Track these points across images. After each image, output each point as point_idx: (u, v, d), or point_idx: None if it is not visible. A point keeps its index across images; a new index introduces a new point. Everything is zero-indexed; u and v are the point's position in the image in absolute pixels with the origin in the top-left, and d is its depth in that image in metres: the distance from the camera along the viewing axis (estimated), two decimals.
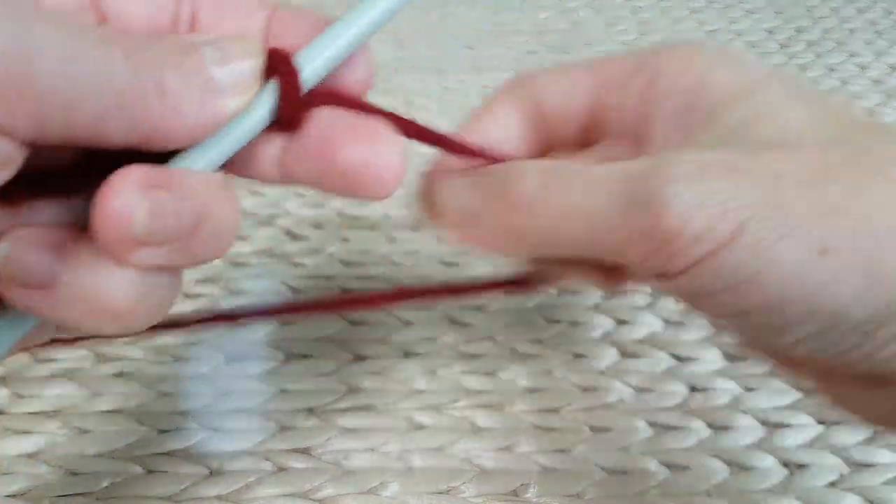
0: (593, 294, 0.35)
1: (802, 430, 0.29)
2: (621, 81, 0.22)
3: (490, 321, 0.33)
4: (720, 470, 0.28)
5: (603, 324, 0.33)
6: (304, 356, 0.32)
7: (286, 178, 0.19)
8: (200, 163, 0.17)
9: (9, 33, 0.14)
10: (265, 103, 0.18)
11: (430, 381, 0.31)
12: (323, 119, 0.19)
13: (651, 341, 0.33)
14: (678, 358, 0.32)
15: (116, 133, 0.16)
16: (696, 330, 0.33)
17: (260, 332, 0.32)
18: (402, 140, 0.19)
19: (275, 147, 0.19)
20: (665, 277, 0.18)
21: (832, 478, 0.28)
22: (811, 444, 0.29)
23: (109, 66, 0.16)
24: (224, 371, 0.31)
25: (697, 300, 0.18)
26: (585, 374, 0.31)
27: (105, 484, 0.27)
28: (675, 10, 0.58)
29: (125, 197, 0.15)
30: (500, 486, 0.27)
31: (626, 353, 0.32)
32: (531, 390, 0.31)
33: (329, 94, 0.19)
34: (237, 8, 0.19)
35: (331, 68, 0.19)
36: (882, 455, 0.28)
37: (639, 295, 0.34)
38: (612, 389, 0.31)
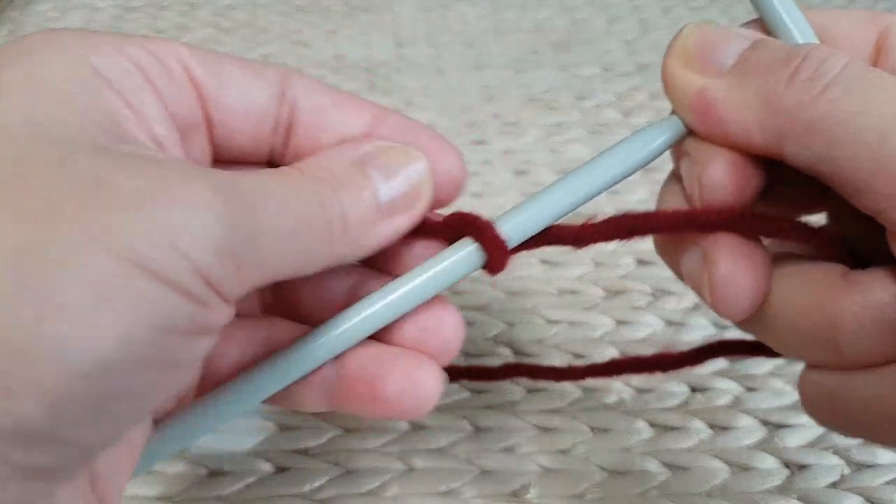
0: (593, 294, 0.34)
1: (803, 430, 0.29)
2: None
3: (490, 321, 0.33)
4: (721, 470, 0.28)
5: (603, 324, 0.33)
6: None
7: (332, 407, 0.21)
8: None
9: (232, 217, 0.15)
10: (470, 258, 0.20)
11: None
12: (367, 354, 0.20)
13: (651, 341, 0.33)
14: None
15: (305, 269, 0.18)
16: (697, 330, 0.33)
17: None
18: (440, 367, 0.20)
19: (322, 381, 0.20)
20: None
21: (833, 478, 0.28)
22: (812, 445, 0.29)
23: (309, 208, 0.17)
24: None
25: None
26: None
27: None
28: (676, 9, 0.58)
29: None
30: (500, 487, 0.27)
31: (626, 354, 0.32)
32: (531, 391, 0.31)
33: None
34: (341, 108, 0.20)
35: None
36: (883, 455, 0.28)
37: (639, 295, 0.34)
38: (612, 390, 0.31)
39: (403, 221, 0.19)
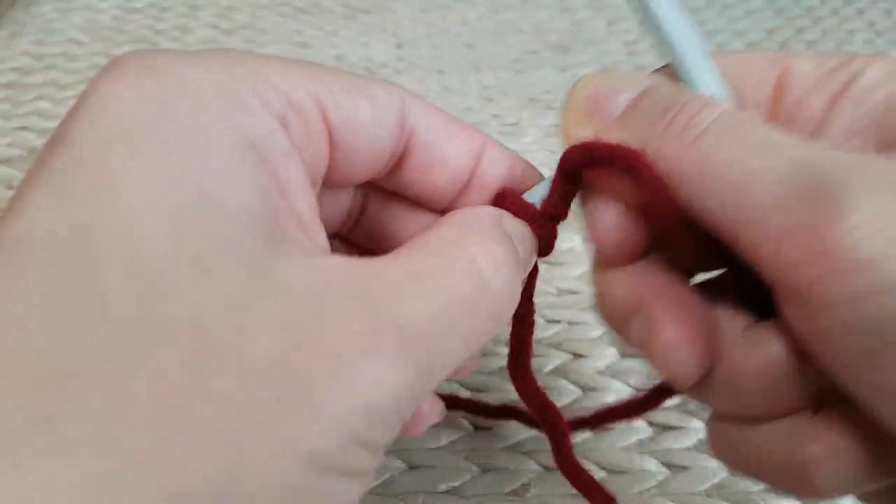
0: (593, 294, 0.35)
1: None
2: (815, 77, 0.18)
3: None
4: (720, 470, 0.28)
5: (603, 324, 0.33)
6: None
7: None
8: None
9: (412, 384, 0.15)
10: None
11: None
12: None
13: None
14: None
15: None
16: None
17: None
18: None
19: None
20: (804, 297, 0.14)
21: None
22: None
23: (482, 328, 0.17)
24: None
25: (827, 336, 0.14)
26: (585, 374, 0.31)
27: None
28: None
29: None
30: (500, 486, 0.28)
31: (625, 353, 0.32)
32: None
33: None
34: (453, 137, 0.20)
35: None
36: None
37: None
38: (611, 389, 0.31)
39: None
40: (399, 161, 0.20)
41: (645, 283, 0.18)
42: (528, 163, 0.22)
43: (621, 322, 0.19)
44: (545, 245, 0.20)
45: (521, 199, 0.20)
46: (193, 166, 0.14)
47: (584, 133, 0.18)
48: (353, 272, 0.16)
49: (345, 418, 0.14)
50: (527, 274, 0.20)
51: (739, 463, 0.18)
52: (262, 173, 0.15)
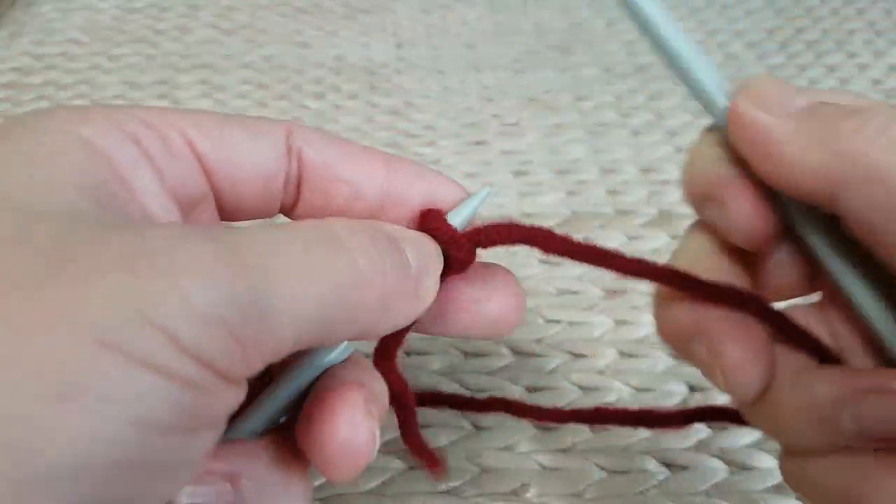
0: (592, 294, 0.35)
1: None
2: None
3: None
4: (720, 470, 0.28)
5: (602, 323, 0.33)
6: None
7: (441, 331, 0.21)
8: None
9: (231, 281, 0.13)
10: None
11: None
12: (458, 283, 0.20)
13: (651, 341, 0.33)
14: (678, 358, 0.32)
15: (328, 340, 0.16)
16: None
17: None
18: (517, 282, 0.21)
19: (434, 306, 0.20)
20: None
21: None
22: None
23: (337, 270, 0.16)
24: None
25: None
26: (585, 374, 0.31)
27: None
28: (675, 10, 0.58)
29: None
30: (500, 486, 0.28)
31: (625, 353, 0.32)
32: (531, 390, 0.31)
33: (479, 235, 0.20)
34: (352, 159, 0.20)
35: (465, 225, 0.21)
36: None
37: (637, 295, 0.35)
38: (611, 389, 0.31)
39: (433, 285, 0.19)
40: (298, 189, 0.20)
41: (708, 310, 0.19)
42: (450, 180, 0.21)
43: (684, 344, 0.19)
44: (460, 264, 0.20)
45: (443, 220, 0.20)
46: (24, 156, 0.15)
47: (764, 119, 0.18)
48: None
49: (131, 294, 0.12)
50: (431, 283, 0.19)
51: (805, 493, 0.19)
52: (99, 164, 0.16)
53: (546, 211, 0.39)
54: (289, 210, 0.20)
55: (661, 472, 0.28)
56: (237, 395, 0.14)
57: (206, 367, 0.13)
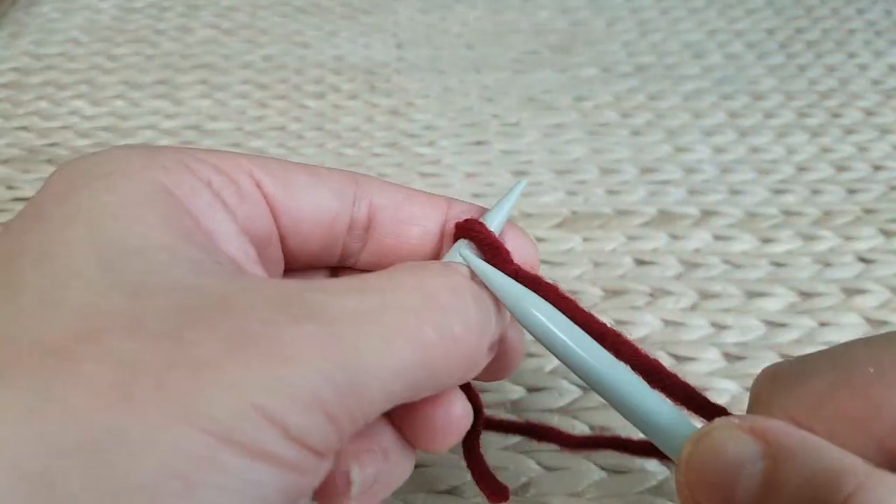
0: (592, 294, 0.35)
1: None
2: None
3: None
4: None
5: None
6: None
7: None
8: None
9: (331, 365, 0.14)
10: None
11: None
12: None
13: (651, 341, 0.33)
14: (678, 358, 0.32)
15: (413, 398, 0.17)
16: (696, 330, 0.33)
17: None
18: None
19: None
20: None
21: None
22: None
23: (419, 337, 0.16)
24: None
25: None
26: None
27: None
28: (675, 10, 0.58)
29: None
30: None
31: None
32: (531, 389, 0.31)
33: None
34: (416, 202, 0.21)
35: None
36: None
37: (637, 295, 0.35)
38: None
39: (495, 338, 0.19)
40: (366, 233, 0.20)
41: None
42: (487, 210, 0.22)
43: None
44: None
45: (483, 226, 0.20)
46: (117, 213, 0.15)
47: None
48: (284, 283, 0.16)
49: (243, 387, 0.13)
50: (494, 335, 0.19)
51: None
52: (181, 216, 0.16)
53: (546, 211, 0.39)
54: (357, 253, 0.21)
55: (661, 472, 0.28)
56: (328, 467, 0.15)
57: (308, 450, 0.14)
